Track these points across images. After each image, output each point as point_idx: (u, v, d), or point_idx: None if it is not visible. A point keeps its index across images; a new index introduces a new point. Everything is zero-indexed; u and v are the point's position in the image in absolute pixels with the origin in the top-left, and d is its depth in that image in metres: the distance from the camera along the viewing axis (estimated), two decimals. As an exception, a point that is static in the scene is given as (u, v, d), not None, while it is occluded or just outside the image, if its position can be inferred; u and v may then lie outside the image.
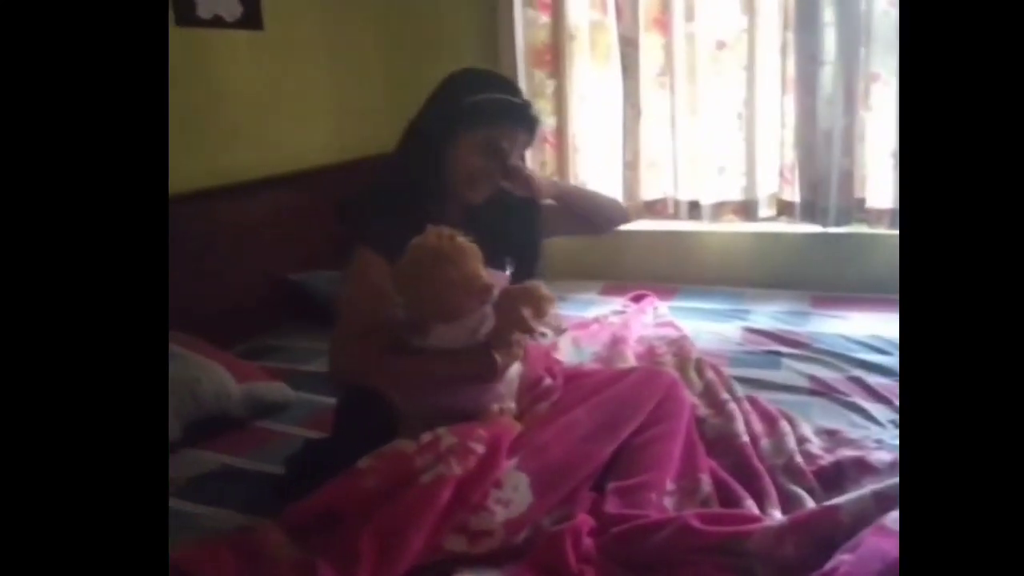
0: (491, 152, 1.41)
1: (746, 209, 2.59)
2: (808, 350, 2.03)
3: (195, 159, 2.30)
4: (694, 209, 2.65)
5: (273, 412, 1.83)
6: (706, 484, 1.29)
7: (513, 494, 1.19)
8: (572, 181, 2.76)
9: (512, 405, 1.40)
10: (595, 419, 1.32)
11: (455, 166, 1.41)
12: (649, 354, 2.05)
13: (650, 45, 2.57)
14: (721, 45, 2.52)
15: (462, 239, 1.23)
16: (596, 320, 2.37)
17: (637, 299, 2.52)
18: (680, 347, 2.05)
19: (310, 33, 2.68)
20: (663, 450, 1.32)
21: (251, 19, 2.44)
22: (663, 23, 2.55)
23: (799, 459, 1.38)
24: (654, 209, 2.72)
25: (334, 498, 1.19)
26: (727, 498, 1.28)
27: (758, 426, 1.51)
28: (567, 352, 2.13)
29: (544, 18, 2.67)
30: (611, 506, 1.21)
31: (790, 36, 2.38)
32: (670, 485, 1.28)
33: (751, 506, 1.23)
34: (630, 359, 2.00)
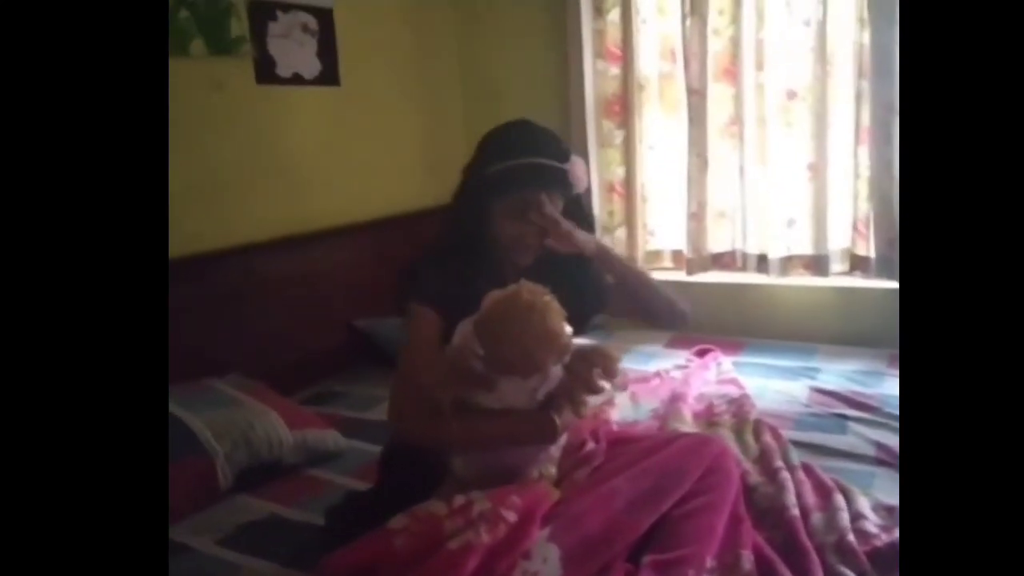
0: (526, 216, 1.39)
1: (817, 263, 2.50)
2: (878, 414, 1.92)
3: (274, 209, 2.40)
4: (762, 262, 2.57)
5: (326, 460, 1.86)
6: (747, 561, 1.23)
7: (542, 566, 1.16)
8: (640, 231, 2.74)
9: (553, 470, 1.38)
10: (636, 489, 1.27)
11: (497, 231, 1.41)
12: (707, 413, 1.99)
13: (719, 95, 2.54)
14: (792, 95, 2.46)
15: (549, 296, 1.23)
16: (657, 374, 2.32)
17: (701, 353, 2.46)
18: (740, 407, 1.98)
19: (387, 87, 2.77)
20: (705, 523, 1.26)
21: (328, 76, 2.55)
22: (732, 73, 2.52)
23: (851, 537, 1.30)
24: (721, 262, 2.67)
25: (364, 556, 1.19)
26: (766, 573, 1.21)
27: (811, 498, 1.44)
28: (624, 408, 2.09)
29: (614, 69, 2.68)
30: None
31: (864, 85, 2.30)
32: (710, 562, 1.22)
33: (792, 587, 1.16)
34: (687, 418, 1.95)
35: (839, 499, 1.42)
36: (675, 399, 2.06)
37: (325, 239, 2.52)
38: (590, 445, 1.47)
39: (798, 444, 1.76)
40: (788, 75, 2.46)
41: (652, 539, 1.25)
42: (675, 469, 1.32)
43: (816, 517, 1.37)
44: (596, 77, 2.70)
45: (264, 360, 2.25)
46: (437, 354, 1.28)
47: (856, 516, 1.38)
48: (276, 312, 2.36)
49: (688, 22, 2.52)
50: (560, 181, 1.40)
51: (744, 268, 2.63)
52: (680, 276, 2.73)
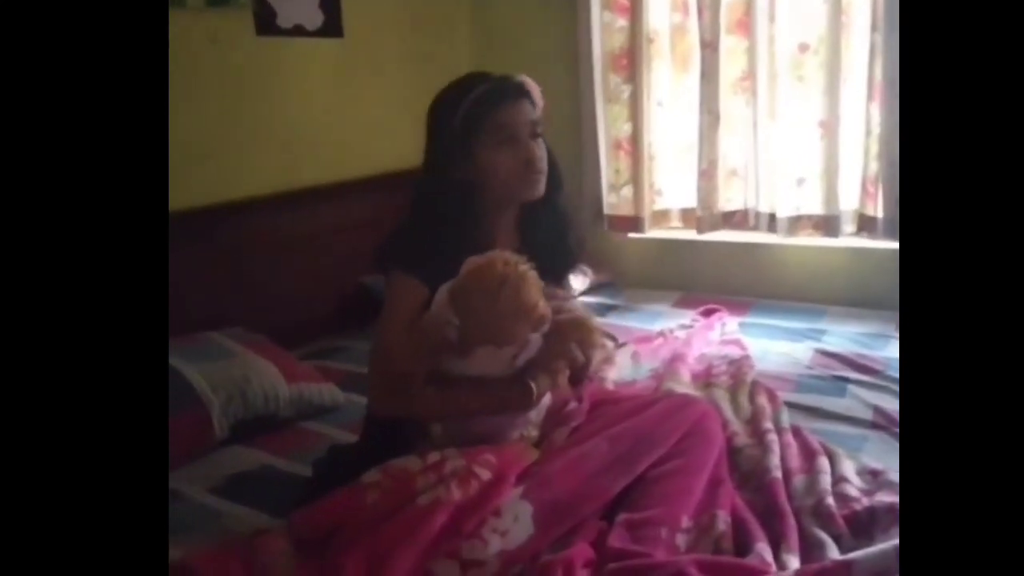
0: (510, 136, 1.34)
1: (826, 224, 2.44)
2: (879, 377, 1.89)
3: (273, 164, 2.40)
4: (772, 222, 2.52)
5: (322, 414, 1.88)
6: (722, 522, 1.21)
7: (512, 524, 1.16)
8: (647, 190, 2.69)
9: (534, 433, 1.38)
10: (611, 451, 1.27)
11: (490, 171, 1.35)
12: (706, 373, 1.98)
13: (731, 48, 2.46)
14: (804, 48, 2.38)
15: (525, 266, 1.22)
16: (661, 334, 2.31)
17: (707, 313, 2.43)
18: (739, 368, 1.97)
19: (391, 41, 2.73)
20: (682, 484, 1.25)
21: (331, 27, 2.51)
22: (746, 25, 2.44)
23: (830, 500, 1.28)
24: (732, 220, 2.61)
25: (335, 511, 1.20)
26: (743, 538, 1.21)
27: (795, 461, 1.42)
28: (624, 367, 2.09)
29: (621, 21, 2.60)
30: (615, 539, 1.16)
31: (878, 38, 2.22)
32: (686, 522, 1.21)
33: (763, 549, 1.15)
34: (685, 378, 1.94)
35: (822, 462, 1.40)
36: (675, 359, 2.05)
37: (329, 195, 2.52)
38: (571, 405, 1.46)
39: (795, 406, 1.74)
40: (801, 27, 2.37)
41: (628, 497, 1.25)
42: (653, 431, 1.31)
43: (798, 480, 1.36)
44: (603, 30, 2.63)
45: (269, 315, 2.27)
46: (413, 325, 1.26)
47: (839, 480, 1.36)
48: (281, 267, 2.37)
49: (702, -30, 2.44)
50: (522, 92, 1.36)
51: (756, 227, 2.57)
52: (690, 235, 2.69)
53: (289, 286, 2.39)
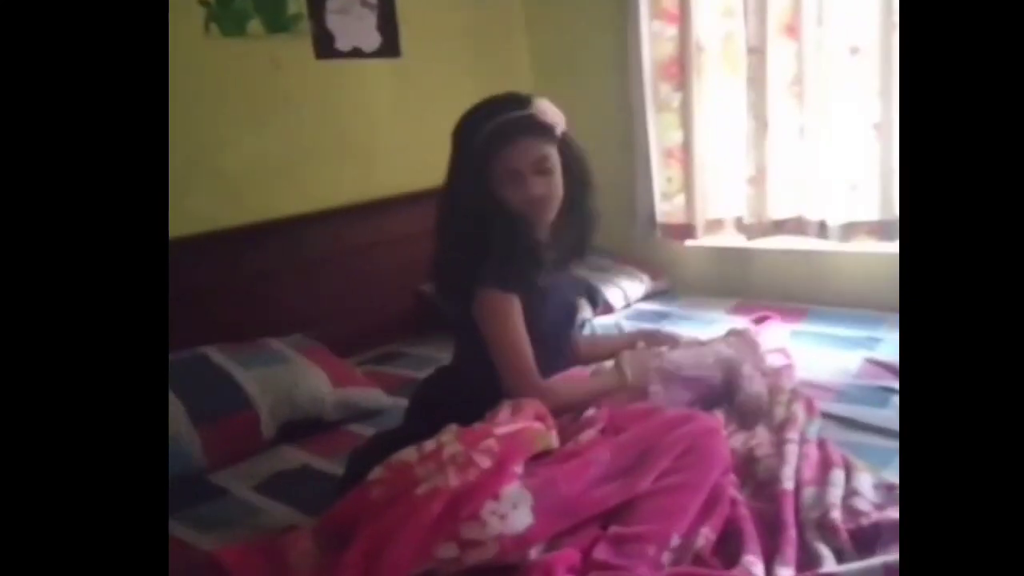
0: (514, 177, 1.45)
1: (882, 229, 2.37)
2: (926, 388, 1.83)
3: (335, 179, 2.52)
4: (824, 228, 2.46)
5: (368, 417, 1.98)
6: (703, 537, 1.21)
7: (511, 510, 1.17)
8: (699, 198, 2.68)
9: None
10: (615, 461, 1.28)
11: (505, 204, 1.47)
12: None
13: (779, 53, 2.42)
14: (855, 51, 2.32)
15: None
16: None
17: (759, 321, 2.40)
18: (778, 376, 1.94)
19: (447, 57, 2.81)
20: (676, 502, 1.24)
21: (389, 48, 2.62)
22: (794, 28, 2.39)
23: (835, 514, 1.26)
24: (785, 227, 2.57)
25: (348, 510, 1.25)
26: (736, 550, 1.20)
27: (809, 472, 1.40)
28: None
29: (671, 30, 2.61)
30: (600, 551, 1.17)
31: (932, 39, 2.14)
32: (676, 540, 1.20)
33: (751, 563, 1.14)
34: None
35: (836, 474, 1.38)
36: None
37: (393, 207, 2.62)
38: (590, 411, 1.49)
39: (833, 417, 1.72)
40: (851, 30, 2.32)
41: (624, 510, 1.24)
42: (654, 445, 1.30)
43: (808, 492, 1.34)
44: (652, 39, 2.64)
45: (334, 321, 2.40)
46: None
47: (851, 493, 1.33)
48: (345, 276, 2.50)
49: (749, -26, 2.41)
50: (530, 127, 1.46)
51: (809, 234, 2.52)
52: (745, 242, 2.66)
53: (353, 293, 2.52)
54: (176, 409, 1.71)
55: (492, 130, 1.44)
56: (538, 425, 1.36)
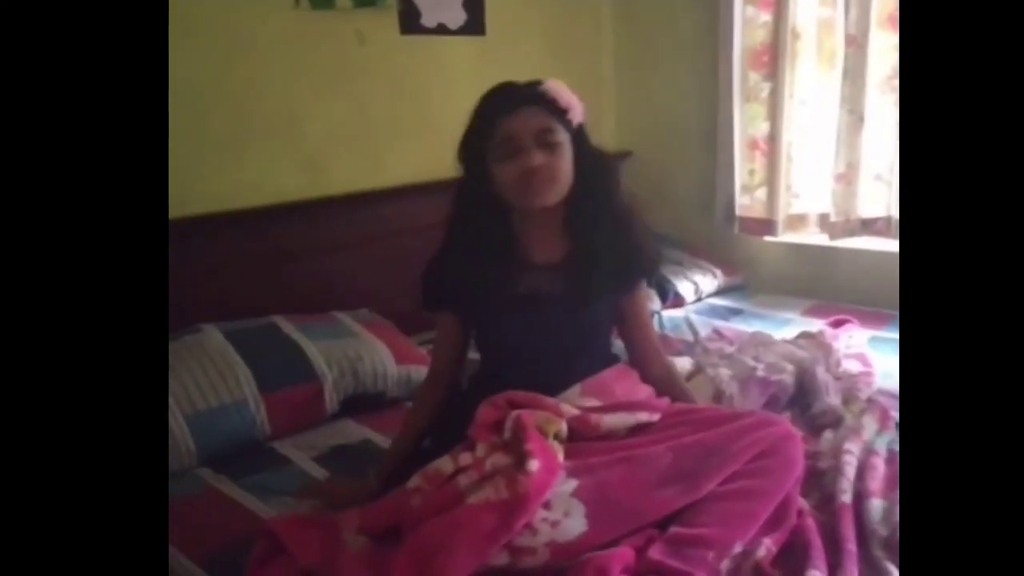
0: (515, 147, 1.35)
1: (977, 235, 2.23)
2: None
3: (417, 156, 2.51)
4: (915, 231, 2.34)
5: (429, 395, 1.98)
6: (764, 547, 1.16)
7: (563, 517, 1.16)
8: (782, 192, 2.59)
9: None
10: (676, 462, 1.23)
11: (499, 183, 1.39)
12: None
13: (880, 45, 2.30)
14: (962, 46, 2.18)
15: None
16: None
17: (838, 324, 2.31)
18: (854, 384, 1.86)
19: (532, 37, 2.78)
20: (747, 508, 1.19)
21: (474, 25, 2.60)
22: (897, 20, 2.27)
23: (905, 535, 1.21)
24: (873, 227, 2.45)
25: (390, 512, 1.23)
26: (800, 563, 1.16)
27: (875, 484, 1.34)
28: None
29: (764, 16, 2.51)
30: (656, 551, 1.13)
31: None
32: (739, 547, 1.15)
33: (815, 577, 1.11)
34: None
35: (907, 492, 1.32)
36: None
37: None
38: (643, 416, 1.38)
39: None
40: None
41: (685, 512, 1.20)
42: (723, 448, 1.24)
43: (874, 504, 1.28)
44: (745, 25, 2.54)
45: (404, 297, 2.39)
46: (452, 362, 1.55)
47: (922, 514, 1.27)
48: (421, 253, 2.49)
49: (853, -40, 2.30)
50: (531, 98, 1.37)
51: (896, 236, 2.41)
52: (827, 241, 2.56)
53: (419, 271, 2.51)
54: (245, 375, 1.75)
55: (486, 105, 1.39)
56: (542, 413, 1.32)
